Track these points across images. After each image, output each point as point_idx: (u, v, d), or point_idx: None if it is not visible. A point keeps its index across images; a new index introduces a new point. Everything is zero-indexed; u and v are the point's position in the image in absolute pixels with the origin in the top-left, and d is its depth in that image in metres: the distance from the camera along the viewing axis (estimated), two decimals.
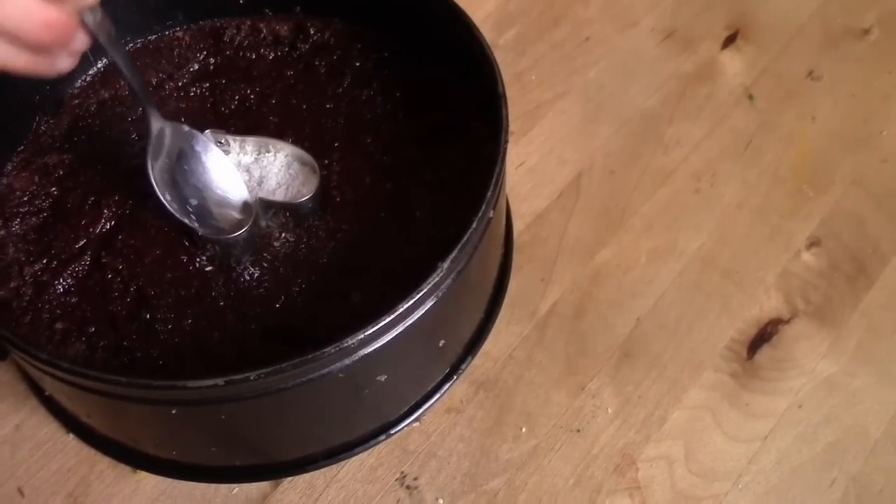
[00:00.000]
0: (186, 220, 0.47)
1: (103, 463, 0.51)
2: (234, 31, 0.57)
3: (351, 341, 0.38)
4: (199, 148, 0.48)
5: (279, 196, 0.49)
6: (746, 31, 0.71)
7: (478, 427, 0.52)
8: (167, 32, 0.57)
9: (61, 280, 0.47)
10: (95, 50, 0.54)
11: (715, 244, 0.59)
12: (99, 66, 0.56)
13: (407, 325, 0.41)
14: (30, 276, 0.48)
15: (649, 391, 0.53)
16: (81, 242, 0.49)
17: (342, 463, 0.50)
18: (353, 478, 0.50)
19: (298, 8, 0.57)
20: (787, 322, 0.56)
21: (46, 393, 0.51)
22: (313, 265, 0.48)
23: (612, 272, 0.58)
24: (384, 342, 0.41)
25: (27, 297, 0.47)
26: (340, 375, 0.41)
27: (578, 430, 0.52)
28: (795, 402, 0.53)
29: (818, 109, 0.66)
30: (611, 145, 0.64)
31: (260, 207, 0.48)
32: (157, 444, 0.48)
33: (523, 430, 0.52)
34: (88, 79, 0.56)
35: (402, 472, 0.50)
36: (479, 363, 0.54)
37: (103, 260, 0.48)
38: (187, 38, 0.57)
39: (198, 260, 0.48)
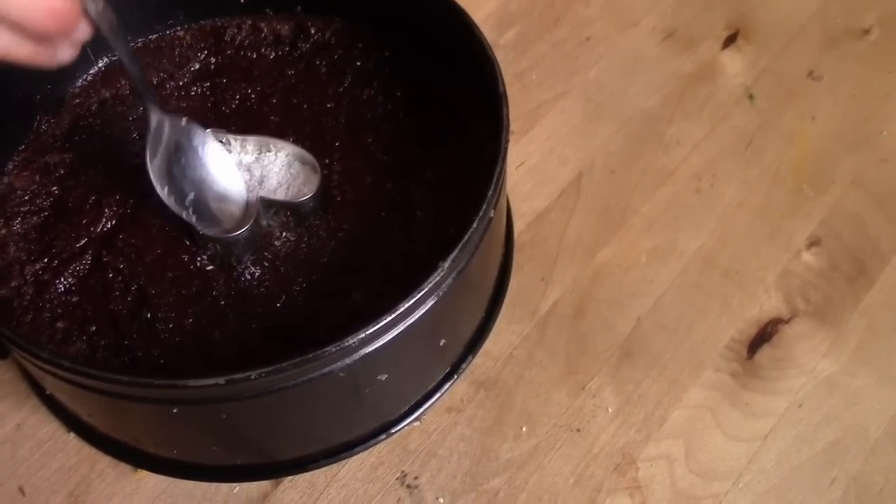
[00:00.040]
0: (184, 215, 0.47)
1: (104, 462, 0.51)
2: (235, 31, 0.57)
3: (351, 341, 0.38)
4: (196, 142, 0.48)
5: (280, 195, 0.49)
6: (747, 31, 0.71)
7: (478, 426, 0.52)
8: (168, 32, 0.57)
9: (62, 279, 0.48)
10: (96, 48, 0.55)
11: (715, 244, 0.59)
12: (100, 65, 0.56)
13: (407, 324, 0.41)
14: (31, 275, 0.48)
15: (649, 390, 0.53)
16: (82, 241, 0.49)
17: (343, 462, 0.50)
18: (353, 477, 0.50)
19: (299, 7, 0.58)
20: (788, 322, 0.56)
21: (47, 392, 0.51)
22: (314, 264, 0.48)
23: (612, 272, 0.58)
24: (385, 341, 0.41)
25: (28, 296, 0.47)
26: (341, 375, 0.41)
27: (579, 430, 0.52)
28: (795, 402, 0.53)
29: (818, 109, 0.66)
30: (611, 145, 0.64)
31: (261, 207, 0.48)
32: (158, 443, 0.48)
33: (524, 429, 0.52)
34: (89, 78, 0.56)
35: (402, 472, 0.50)
36: (480, 362, 0.54)
37: (104, 259, 0.48)
38: (188, 38, 0.57)
39: (199, 259, 0.48)
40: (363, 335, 0.39)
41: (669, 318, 0.56)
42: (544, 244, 0.59)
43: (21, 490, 0.50)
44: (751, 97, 0.67)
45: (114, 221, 0.50)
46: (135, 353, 0.45)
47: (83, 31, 0.37)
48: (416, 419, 0.51)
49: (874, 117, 0.66)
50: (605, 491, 0.50)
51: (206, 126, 0.49)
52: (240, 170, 0.49)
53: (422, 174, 0.51)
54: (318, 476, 0.50)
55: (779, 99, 0.67)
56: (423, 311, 0.42)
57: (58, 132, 0.53)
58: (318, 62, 0.56)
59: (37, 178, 0.51)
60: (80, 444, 0.51)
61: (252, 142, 0.50)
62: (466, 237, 0.41)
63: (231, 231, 0.47)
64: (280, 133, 0.52)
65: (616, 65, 0.68)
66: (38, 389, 0.52)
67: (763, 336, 0.56)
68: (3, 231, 0.49)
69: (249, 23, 0.57)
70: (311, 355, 0.38)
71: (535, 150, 0.64)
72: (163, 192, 0.47)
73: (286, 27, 0.57)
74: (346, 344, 0.38)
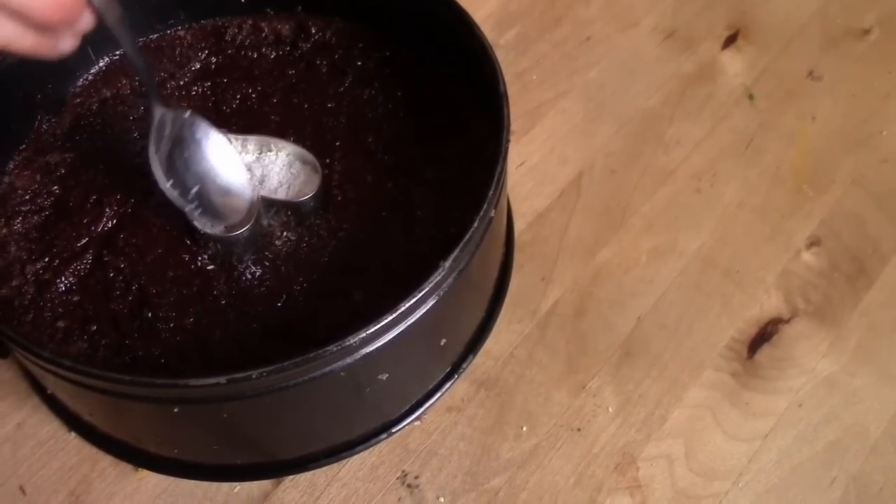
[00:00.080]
0: (188, 209, 0.47)
1: (105, 461, 0.51)
2: (236, 31, 0.57)
3: (352, 340, 0.38)
4: (199, 135, 0.48)
5: (281, 195, 0.49)
6: (747, 31, 0.71)
7: (479, 426, 0.52)
8: (169, 31, 0.57)
9: (63, 278, 0.48)
10: (97, 48, 0.55)
11: (715, 244, 0.59)
12: (101, 64, 0.56)
13: (408, 323, 0.41)
14: (32, 274, 0.48)
15: (650, 390, 0.53)
16: (83, 241, 0.49)
17: (343, 461, 0.50)
18: (354, 476, 0.50)
19: (300, 7, 0.58)
20: (788, 321, 0.56)
21: (48, 391, 0.51)
22: (315, 264, 0.48)
23: (612, 271, 0.58)
24: (385, 341, 0.41)
25: (29, 296, 0.47)
26: (342, 374, 0.41)
27: (579, 429, 0.52)
28: (795, 402, 0.53)
29: (818, 109, 0.66)
30: (612, 145, 0.64)
31: (261, 206, 0.48)
32: (159, 442, 0.49)
33: (524, 428, 0.52)
34: (90, 77, 0.56)
35: (403, 471, 0.50)
36: (480, 362, 0.54)
37: (105, 258, 0.48)
38: (189, 37, 0.57)
39: (199, 259, 0.48)
40: (364, 335, 0.39)
41: (670, 318, 0.56)
42: (545, 244, 0.59)
43: (22, 489, 0.50)
44: (751, 97, 0.67)
45: (115, 221, 0.50)
46: (136, 352, 0.45)
47: (86, 21, 0.37)
48: (417, 419, 0.51)
49: (874, 117, 0.66)
50: (606, 490, 0.50)
51: None
52: None
53: (422, 174, 0.51)
54: (318, 475, 0.50)
55: (779, 99, 0.67)
56: (424, 310, 0.42)
57: (59, 131, 0.54)
58: (318, 62, 0.56)
59: (38, 177, 0.51)
60: (81, 444, 0.51)
61: (253, 141, 0.50)
62: (467, 237, 0.41)
63: (235, 225, 0.47)
64: (281, 133, 0.52)
65: (616, 65, 0.69)
66: (38, 389, 0.52)
67: (763, 336, 0.56)
68: (4, 230, 0.49)
69: (250, 22, 0.57)
70: (311, 355, 0.38)
71: (536, 150, 0.64)
72: (167, 185, 0.47)
73: (287, 27, 0.57)
74: (347, 343, 0.38)
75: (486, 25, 0.67)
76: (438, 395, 0.51)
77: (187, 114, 0.47)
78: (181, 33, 0.57)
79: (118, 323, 0.46)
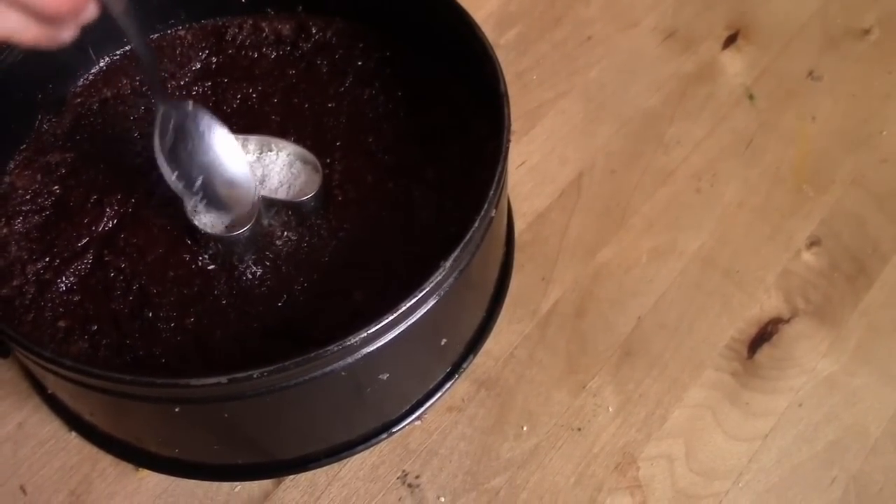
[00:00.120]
0: (194, 201, 0.47)
1: (105, 461, 0.51)
2: (236, 30, 0.57)
3: (353, 340, 0.39)
4: (203, 127, 0.48)
5: (281, 195, 0.49)
6: (747, 31, 0.71)
7: (479, 426, 0.52)
8: (169, 31, 0.57)
9: (64, 278, 0.48)
10: (98, 48, 0.55)
11: (715, 244, 0.59)
12: (101, 64, 0.56)
13: (409, 323, 0.41)
14: (32, 274, 0.48)
15: (650, 390, 0.53)
16: (84, 241, 0.49)
17: (344, 461, 0.50)
18: (354, 476, 0.50)
19: (300, 7, 0.58)
20: (788, 321, 0.56)
21: (49, 391, 0.51)
22: (315, 264, 0.48)
23: (612, 271, 0.58)
24: (386, 341, 0.41)
25: (30, 296, 0.47)
26: (342, 374, 0.41)
27: (579, 429, 0.52)
28: (796, 401, 0.53)
29: (818, 109, 0.66)
30: (612, 145, 0.64)
31: (262, 206, 0.48)
32: (160, 442, 0.49)
33: (524, 428, 0.52)
34: (91, 77, 0.56)
35: (403, 471, 0.50)
36: (481, 362, 0.54)
37: (106, 258, 0.48)
38: (189, 37, 0.57)
39: (200, 258, 0.48)
40: (364, 334, 0.39)
41: (670, 318, 0.56)
42: (545, 244, 0.59)
43: (22, 489, 0.50)
44: (751, 97, 0.67)
45: (115, 221, 0.50)
46: (136, 352, 0.45)
47: (90, 11, 0.36)
48: (418, 418, 0.51)
49: (874, 117, 0.66)
50: (606, 490, 0.50)
51: None
52: None
53: (423, 174, 0.51)
54: (319, 475, 0.50)
55: (779, 99, 0.67)
56: (425, 310, 0.42)
57: (59, 131, 0.54)
58: (319, 62, 0.56)
59: (38, 177, 0.51)
60: (82, 443, 0.51)
61: (253, 141, 0.50)
62: (468, 237, 0.41)
63: (233, 230, 0.47)
64: (281, 132, 0.52)
65: (616, 65, 0.69)
66: (39, 388, 0.52)
67: (763, 336, 0.56)
68: (5, 230, 0.49)
69: (251, 22, 0.58)
70: (312, 354, 0.38)
71: (536, 150, 0.64)
72: (172, 176, 0.47)
73: (287, 27, 0.57)
74: (348, 343, 0.38)
75: (487, 25, 0.67)
76: (439, 394, 0.51)
77: (191, 106, 0.47)
78: (182, 33, 0.58)
79: (119, 323, 0.46)
